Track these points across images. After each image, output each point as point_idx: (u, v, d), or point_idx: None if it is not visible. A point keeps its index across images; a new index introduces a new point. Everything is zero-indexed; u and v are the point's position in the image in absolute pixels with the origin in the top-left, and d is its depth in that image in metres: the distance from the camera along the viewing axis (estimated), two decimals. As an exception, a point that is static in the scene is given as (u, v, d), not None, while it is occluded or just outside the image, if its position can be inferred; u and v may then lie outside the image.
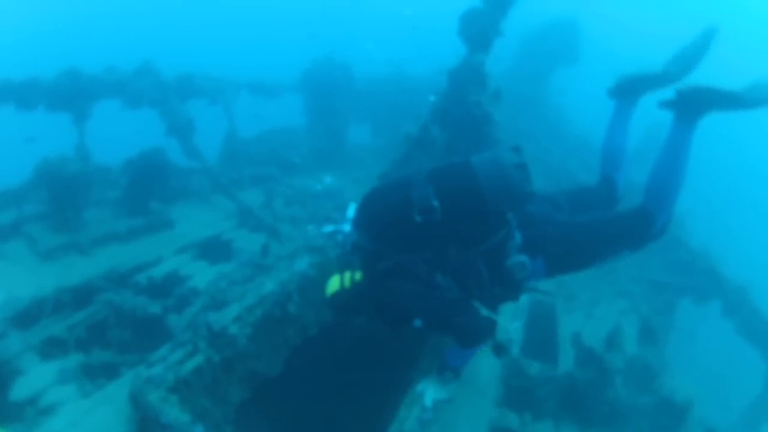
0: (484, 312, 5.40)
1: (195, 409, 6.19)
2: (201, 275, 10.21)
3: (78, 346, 8.65)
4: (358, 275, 5.34)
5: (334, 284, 5.38)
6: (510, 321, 9.24)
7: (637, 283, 14.10)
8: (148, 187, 12.31)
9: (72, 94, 12.53)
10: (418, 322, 5.20)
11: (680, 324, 14.49)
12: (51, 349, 8.22)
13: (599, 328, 10.96)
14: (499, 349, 5.49)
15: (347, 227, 5.39)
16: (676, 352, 13.55)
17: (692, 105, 5.11)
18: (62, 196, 10.90)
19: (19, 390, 6.95)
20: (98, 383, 7.28)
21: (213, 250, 11.73)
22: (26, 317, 8.68)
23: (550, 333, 10.77)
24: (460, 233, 4.90)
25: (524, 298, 10.55)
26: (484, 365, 7.92)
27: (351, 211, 5.44)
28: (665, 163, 5.22)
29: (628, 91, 5.95)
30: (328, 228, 5.78)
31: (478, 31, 8.50)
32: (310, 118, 19.37)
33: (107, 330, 9.12)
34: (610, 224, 5.32)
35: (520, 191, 4.75)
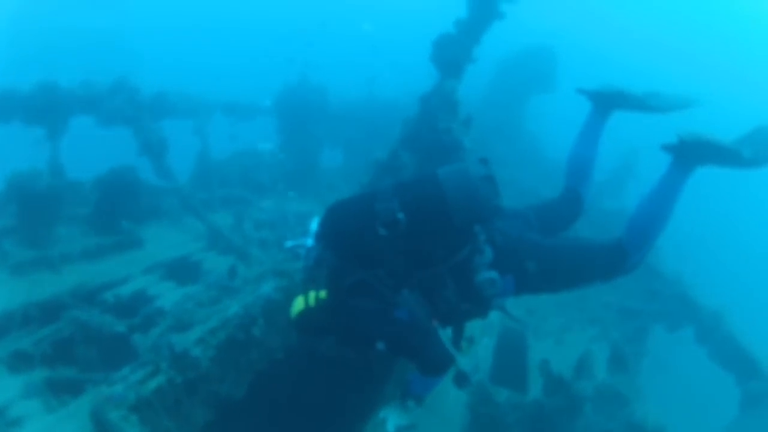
0: (447, 340, 5.28)
1: (157, 429, 6.15)
2: (168, 296, 10.13)
3: (44, 362, 8.56)
4: (322, 293, 4.99)
5: (298, 304, 4.99)
6: (479, 338, 9.21)
7: (609, 310, 14.15)
8: (118, 204, 12.21)
9: (47, 108, 12.43)
10: (380, 345, 4.89)
11: (653, 351, 14.55)
12: (18, 362, 8.14)
13: (569, 355, 10.97)
14: (461, 380, 5.36)
15: (310, 241, 5.19)
16: (649, 379, 13.59)
17: (692, 155, 4.97)
18: (32, 211, 10.78)
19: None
20: (63, 399, 7.21)
21: (181, 271, 11.63)
22: (-6, 330, 8.57)
23: (519, 360, 10.75)
24: (426, 247, 4.74)
25: (495, 319, 10.55)
26: (451, 392, 7.84)
27: (314, 224, 5.23)
28: (652, 204, 5.06)
29: (605, 102, 5.81)
30: (290, 243, 5.53)
31: (451, 58, 8.55)
32: (284, 141, 19.45)
33: (74, 347, 8.99)
34: (584, 252, 5.19)
35: (487, 203, 4.66)
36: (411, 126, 8.84)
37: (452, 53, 8.55)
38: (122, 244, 11.91)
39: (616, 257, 5.07)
